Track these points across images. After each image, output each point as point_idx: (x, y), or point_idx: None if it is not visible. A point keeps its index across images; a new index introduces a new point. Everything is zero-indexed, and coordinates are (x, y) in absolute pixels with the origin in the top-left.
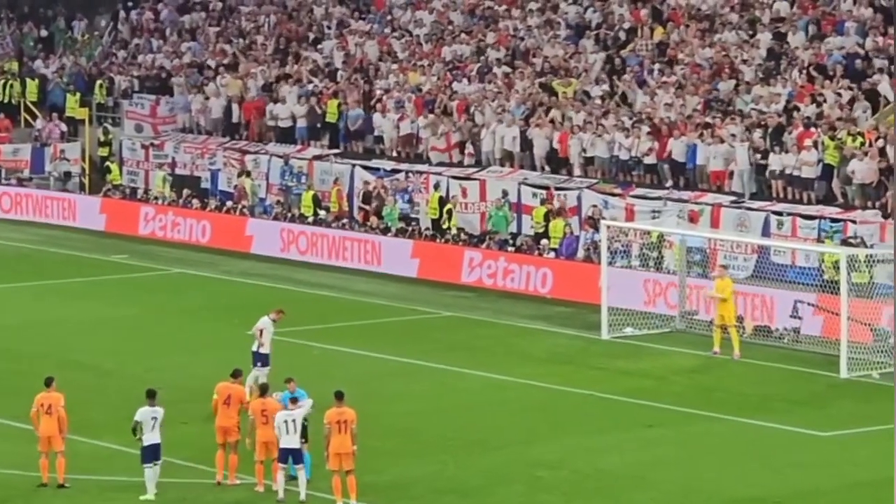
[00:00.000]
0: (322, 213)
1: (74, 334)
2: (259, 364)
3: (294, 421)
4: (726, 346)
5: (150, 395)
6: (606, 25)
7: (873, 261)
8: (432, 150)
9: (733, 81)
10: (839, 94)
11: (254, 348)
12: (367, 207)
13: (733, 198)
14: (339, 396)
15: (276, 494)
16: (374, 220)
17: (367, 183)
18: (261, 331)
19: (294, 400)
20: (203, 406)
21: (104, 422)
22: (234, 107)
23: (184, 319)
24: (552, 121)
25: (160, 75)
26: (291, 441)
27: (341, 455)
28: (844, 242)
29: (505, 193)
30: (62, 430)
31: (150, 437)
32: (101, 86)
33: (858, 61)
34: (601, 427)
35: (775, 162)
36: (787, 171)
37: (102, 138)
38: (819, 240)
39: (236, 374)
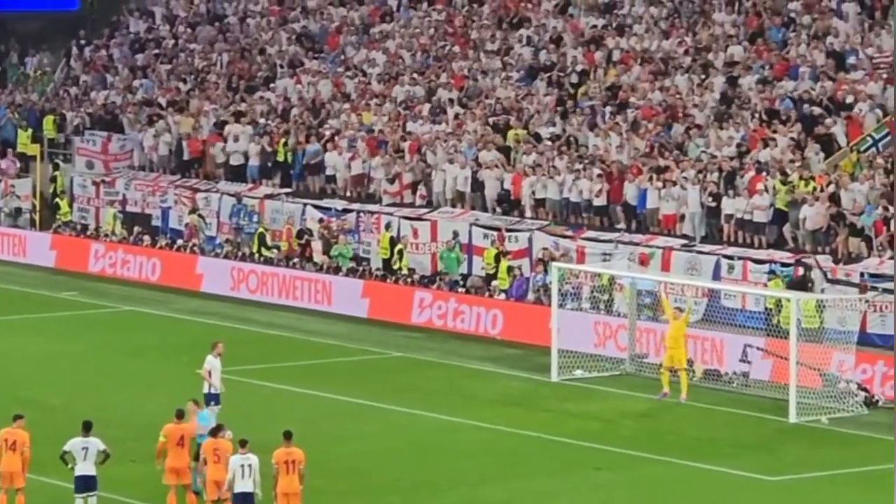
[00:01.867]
0: (273, 251)
1: (23, 370)
2: (213, 403)
3: (250, 465)
4: (674, 388)
5: (85, 427)
6: (559, 67)
7: (823, 305)
8: (385, 193)
9: (685, 125)
10: (791, 139)
11: (205, 390)
12: (301, 242)
13: (684, 241)
14: (288, 436)
15: None
16: (324, 259)
17: (304, 220)
18: (209, 371)
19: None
20: (150, 444)
21: (50, 458)
22: (185, 144)
23: (133, 357)
24: (500, 163)
25: (111, 112)
26: (246, 485)
27: (289, 495)
28: (799, 262)
29: (455, 234)
30: (24, 469)
31: (82, 467)
32: (53, 121)
33: (807, 105)
34: (550, 470)
35: (727, 206)
36: (739, 215)
37: (51, 174)
38: (768, 280)
39: (180, 415)
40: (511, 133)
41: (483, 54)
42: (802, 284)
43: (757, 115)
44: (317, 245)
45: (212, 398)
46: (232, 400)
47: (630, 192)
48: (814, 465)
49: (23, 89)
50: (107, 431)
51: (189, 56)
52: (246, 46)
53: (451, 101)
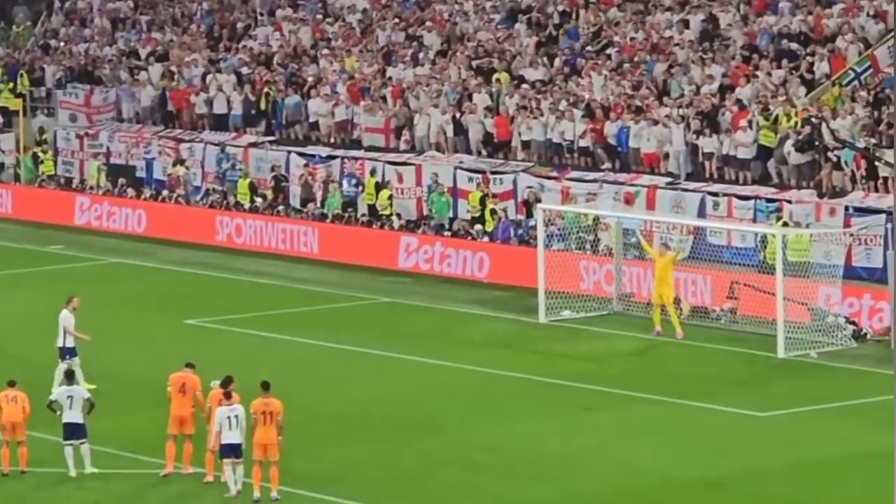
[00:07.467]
0: (258, 200)
1: (8, 325)
2: (68, 357)
3: (237, 416)
4: (668, 327)
5: (68, 376)
6: (539, 8)
7: (809, 240)
8: (367, 130)
9: (667, 63)
10: (772, 75)
11: (59, 343)
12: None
13: (669, 179)
14: (266, 387)
15: (225, 487)
16: (310, 206)
17: (277, 167)
18: (64, 327)
19: None
20: (140, 395)
21: (36, 413)
22: (167, 95)
23: (120, 309)
24: (487, 108)
25: (93, 64)
26: (233, 436)
27: (266, 446)
28: (806, 121)
29: (435, 178)
30: (25, 421)
31: (68, 415)
32: (27, 73)
33: (786, 40)
34: (541, 411)
35: (710, 143)
36: (723, 152)
37: (38, 138)
38: (769, 220)
39: (190, 365)
40: (495, 76)
41: None
42: (811, 143)
43: (738, 52)
44: (295, 190)
45: (67, 352)
46: (220, 349)
47: (613, 132)
48: (804, 399)
49: (3, 44)
50: (96, 385)
51: (169, 6)
52: None
53: (431, 45)
